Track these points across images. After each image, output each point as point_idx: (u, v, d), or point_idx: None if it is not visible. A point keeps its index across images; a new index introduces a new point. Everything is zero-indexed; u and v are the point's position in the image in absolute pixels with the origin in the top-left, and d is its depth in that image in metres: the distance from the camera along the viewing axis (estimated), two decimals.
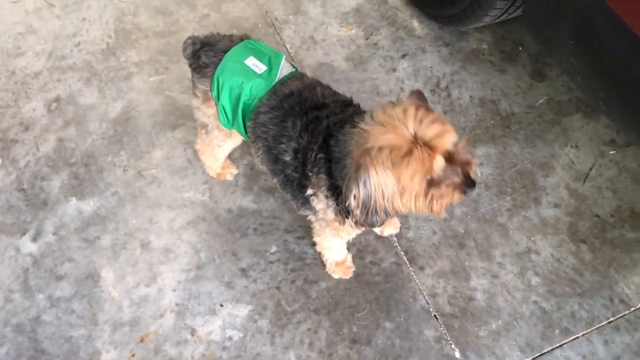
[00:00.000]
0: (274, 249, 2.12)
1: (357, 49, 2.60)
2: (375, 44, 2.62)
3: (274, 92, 1.62)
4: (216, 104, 1.74)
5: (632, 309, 2.00)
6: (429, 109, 1.35)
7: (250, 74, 1.65)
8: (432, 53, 2.58)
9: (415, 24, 2.67)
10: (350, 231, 1.71)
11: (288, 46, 2.59)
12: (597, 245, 2.12)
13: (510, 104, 2.44)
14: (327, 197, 1.53)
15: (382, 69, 2.54)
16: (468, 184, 1.33)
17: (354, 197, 1.33)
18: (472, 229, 2.14)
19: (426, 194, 1.33)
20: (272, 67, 1.66)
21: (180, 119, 2.39)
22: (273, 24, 2.67)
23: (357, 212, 1.36)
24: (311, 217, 1.77)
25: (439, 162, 1.28)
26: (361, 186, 1.30)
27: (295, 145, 1.55)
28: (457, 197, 1.35)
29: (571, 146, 2.33)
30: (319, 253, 2.02)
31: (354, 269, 2.05)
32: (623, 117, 1.79)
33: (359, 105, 1.61)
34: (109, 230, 2.16)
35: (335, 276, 2.04)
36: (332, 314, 2.00)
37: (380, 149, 1.27)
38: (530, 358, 1.92)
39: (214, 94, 1.71)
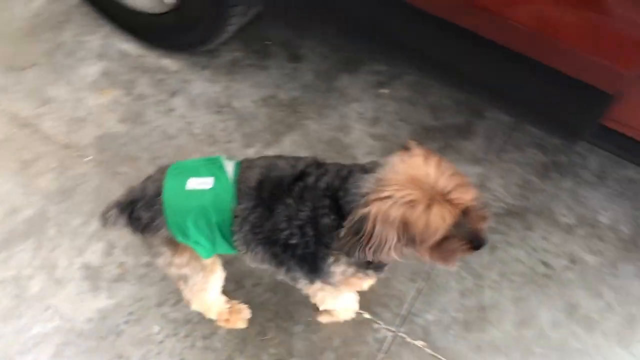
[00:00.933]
0: (156, 329, 1.99)
1: (127, 107, 2.53)
2: (140, 94, 2.58)
3: (240, 194, 1.48)
4: (189, 245, 1.55)
5: None
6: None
7: (202, 195, 1.47)
8: (197, 80, 2.63)
9: (166, 62, 2.69)
10: (365, 280, 1.65)
11: (56, 136, 2.42)
12: None
13: (287, 91, 2.60)
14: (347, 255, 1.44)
15: (160, 114, 2.52)
16: (479, 241, 1.32)
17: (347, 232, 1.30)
18: None
19: (440, 248, 1.32)
20: (217, 174, 1.50)
21: None
22: (27, 124, 2.46)
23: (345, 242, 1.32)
24: (319, 288, 1.67)
25: (458, 220, 1.27)
26: (355, 225, 1.27)
27: (299, 222, 1.43)
28: (466, 253, 1.34)
29: (353, 102, 2.58)
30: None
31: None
32: (397, 59, 2.04)
33: (323, 160, 1.54)
34: None
35: (342, 319, 1.96)
36: (244, 351, 1.96)
37: (397, 201, 1.24)
38: (419, 283, 2.10)
39: (180, 239, 1.52)
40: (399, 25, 1.84)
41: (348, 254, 1.35)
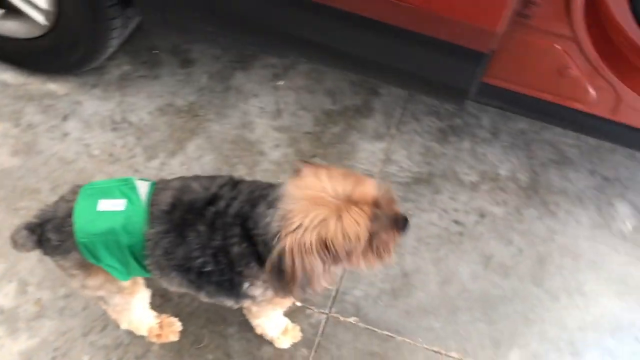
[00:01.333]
0: (86, 358, 1.93)
1: (16, 139, 2.41)
2: (30, 124, 2.46)
3: (152, 218, 1.42)
4: (101, 267, 1.47)
5: (375, 175, 2.38)
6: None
7: (113, 217, 1.41)
8: (88, 100, 2.54)
9: (52, 86, 2.58)
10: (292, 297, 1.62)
11: None
12: (323, 152, 2.44)
13: (184, 97, 2.57)
14: (264, 281, 1.43)
15: (55, 140, 2.41)
16: (402, 221, 1.33)
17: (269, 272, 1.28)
18: None
19: (371, 248, 1.31)
20: (129, 195, 1.44)
21: None
22: None
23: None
24: (247, 305, 1.64)
25: (372, 215, 1.26)
26: (275, 265, 1.25)
27: (211, 250, 1.40)
28: (395, 240, 1.34)
29: (252, 98, 2.59)
30: (261, 335, 1.91)
31: (298, 328, 1.97)
32: (279, 48, 2.07)
33: (240, 177, 1.51)
34: None
35: (287, 345, 1.95)
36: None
37: (308, 225, 1.22)
38: None
39: (92, 261, 1.45)
40: (273, 14, 1.86)
41: (280, 294, 1.36)
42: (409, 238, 2.22)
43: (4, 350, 1.93)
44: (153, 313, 1.90)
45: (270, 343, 1.97)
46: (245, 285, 1.46)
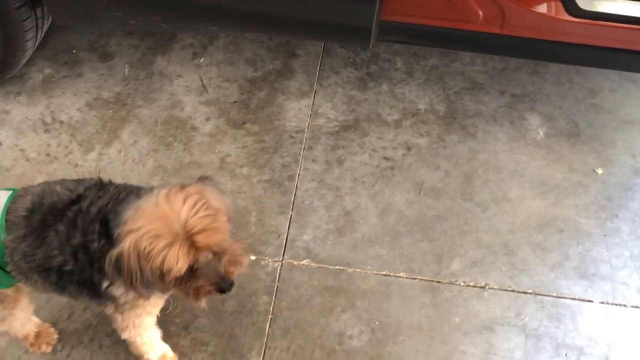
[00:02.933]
0: (59, 346, 2.00)
1: None
2: None
3: (8, 225, 1.44)
4: None
5: (306, 130, 2.52)
6: (210, 200, 1.33)
7: None
8: (15, 108, 2.57)
9: None
10: (157, 302, 1.67)
11: None
12: (253, 117, 2.56)
13: (110, 89, 2.63)
14: None
15: None
16: (224, 284, 1.34)
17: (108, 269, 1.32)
18: (175, 182, 2.34)
19: (184, 283, 1.32)
20: None
21: None
22: None
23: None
24: (110, 310, 1.65)
25: (200, 258, 1.29)
26: (113, 263, 1.29)
27: (71, 248, 1.42)
28: (211, 293, 1.36)
29: (176, 78, 2.68)
30: (138, 358, 1.92)
31: (177, 358, 1.98)
32: (186, 20, 2.16)
33: (110, 180, 1.52)
34: None
35: None
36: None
37: (145, 233, 1.26)
38: (289, 213, 2.29)
39: None
40: None
41: (128, 287, 1.38)
42: (345, 180, 2.37)
43: None
44: (36, 321, 1.94)
45: (232, 297, 2.09)
46: (105, 283, 1.47)
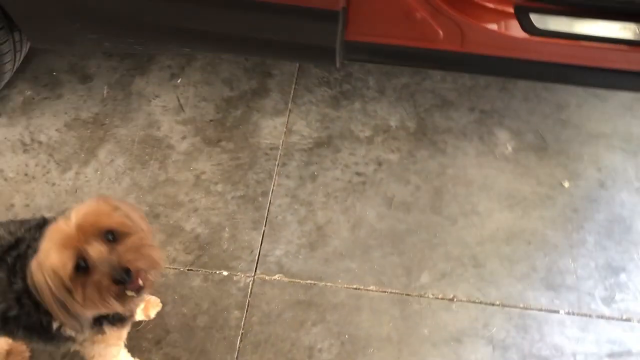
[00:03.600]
0: None
1: None
2: None
3: None
4: None
5: (280, 147, 2.57)
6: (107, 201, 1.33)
7: None
8: None
9: None
10: (118, 334, 1.66)
11: None
12: (228, 135, 2.61)
13: (88, 109, 2.69)
14: None
15: None
16: (116, 273, 1.26)
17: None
18: (150, 200, 2.39)
19: (87, 286, 1.28)
20: None
21: None
22: None
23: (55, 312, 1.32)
24: (75, 348, 1.65)
25: (90, 251, 1.26)
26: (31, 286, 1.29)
27: (13, 294, 1.41)
28: (111, 288, 1.28)
29: (153, 99, 2.73)
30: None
31: None
32: (158, 42, 2.23)
33: (54, 217, 1.46)
34: None
35: None
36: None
37: (41, 251, 1.27)
38: (262, 228, 2.33)
39: None
40: (142, 9, 2.03)
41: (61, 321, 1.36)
42: (317, 195, 2.42)
43: None
44: (7, 339, 1.91)
45: (204, 312, 2.13)
46: (55, 324, 1.45)
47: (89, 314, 1.39)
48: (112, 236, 1.31)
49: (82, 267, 1.27)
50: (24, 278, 1.38)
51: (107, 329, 1.54)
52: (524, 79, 2.38)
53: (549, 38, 1.98)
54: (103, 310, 1.39)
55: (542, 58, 2.05)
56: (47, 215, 1.53)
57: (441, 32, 2.02)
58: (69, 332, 1.50)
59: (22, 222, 1.52)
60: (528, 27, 1.97)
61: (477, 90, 2.75)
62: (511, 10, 1.99)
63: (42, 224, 1.46)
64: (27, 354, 2.02)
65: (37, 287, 1.29)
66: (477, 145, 2.57)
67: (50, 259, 1.25)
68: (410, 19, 1.99)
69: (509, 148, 2.56)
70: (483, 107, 2.69)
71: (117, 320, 1.54)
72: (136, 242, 1.33)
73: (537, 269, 2.23)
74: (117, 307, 1.33)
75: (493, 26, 1.99)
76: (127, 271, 1.26)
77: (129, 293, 1.31)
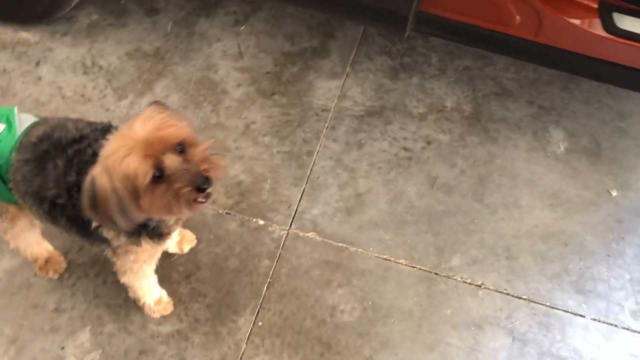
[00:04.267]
0: (66, 275, 2.10)
1: None
2: (4, 70, 2.60)
3: (21, 145, 1.54)
4: None
5: (331, 109, 2.57)
6: (166, 110, 1.37)
7: None
8: (59, 47, 2.68)
9: (24, 35, 2.71)
10: (151, 251, 1.72)
11: None
12: (282, 90, 2.62)
13: (150, 43, 2.72)
14: None
15: (29, 84, 2.56)
16: (200, 181, 1.33)
17: (84, 202, 1.36)
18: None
19: (161, 193, 1.33)
20: (10, 123, 1.56)
21: None
22: None
23: (92, 216, 1.39)
24: (109, 254, 1.73)
25: (167, 161, 1.31)
26: (88, 189, 1.34)
27: (65, 185, 1.49)
28: (192, 195, 1.35)
29: (215, 42, 2.75)
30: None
31: (172, 302, 2.05)
32: None
33: (118, 127, 1.54)
34: None
35: (156, 316, 2.02)
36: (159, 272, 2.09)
37: (109, 155, 1.32)
38: (302, 186, 2.35)
39: None
40: None
41: (105, 225, 1.45)
42: (361, 163, 2.42)
43: None
44: (47, 246, 2.05)
45: (236, 255, 2.17)
46: (94, 223, 1.53)
47: (143, 220, 1.44)
48: (181, 147, 1.36)
49: (157, 176, 1.32)
50: (78, 173, 1.46)
51: (144, 242, 1.59)
52: (593, 79, 2.32)
53: (629, 40, 1.92)
54: (170, 216, 1.48)
55: (617, 60, 1.99)
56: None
57: (518, 18, 1.98)
58: (106, 233, 1.58)
59: (90, 123, 1.59)
60: (609, 25, 1.92)
61: (539, 85, 2.70)
62: (595, 5, 1.93)
63: (107, 129, 1.52)
64: (64, 264, 2.10)
65: (97, 189, 1.32)
66: (529, 140, 2.53)
67: (126, 166, 1.29)
68: (490, 1, 1.96)
69: (562, 148, 2.52)
70: (542, 103, 2.64)
71: (155, 235, 1.59)
72: (205, 152, 1.38)
73: (569, 271, 2.21)
74: (187, 213, 1.41)
75: (572, 20, 1.94)
76: (207, 179, 1.34)
77: (201, 199, 1.37)
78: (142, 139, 1.30)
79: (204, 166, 1.35)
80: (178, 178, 1.32)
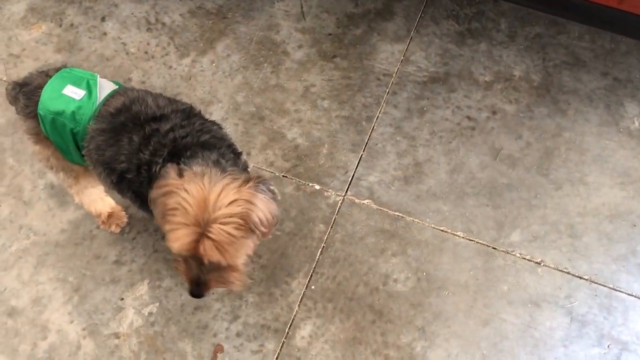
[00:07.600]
0: (127, 228, 2.16)
1: (59, 38, 2.60)
2: (72, 24, 2.64)
3: (99, 114, 1.57)
4: (50, 142, 1.67)
5: (393, 74, 2.51)
6: (253, 212, 1.34)
7: (69, 102, 1.57)
8: (124, 3, 2.70)
9: None
10: None
11: None
12: (344, 52, 2.56)
13: (213, 1, 2.71)
14: None
15: (94, 39, 2.59)
16: (192, 288, 1.46)
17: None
18: (258, 102, 2.42)
19: (174, 258, 1.45)
20: (91, 89, 1.60)
21: None
22: None
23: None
24: None
25: (192, 261, 1.39)
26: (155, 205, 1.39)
27: (136, 161, 1.51)
28: (186, 279, 1.48)
29: (277, 1, 2.71)
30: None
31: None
32: None
33: (200, 112, 1.61)
34: None
35: None
36: None
37: (178, 200, 1.31)
38: (360, 152, 2.32)
39: (44, 132, 1.64)
40: None
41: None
42: (422, 131, 2.36)
43: (55, 219, 2.18)
44: (110, 201, 2.10)
45: (291, 219, 2.17)
46: None
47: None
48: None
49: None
50: (152, 154, 1.47)
51: None
52: None
53: None
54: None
55: None
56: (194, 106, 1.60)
57: None
58: None
59: (171, 101, 1.59)
60: None
61: (616, 56, 2.54)
62: None
63: (188, 112, 1.55)
64: (125, 219, 2.16)
65: (154, 201, 1.38)
66: (601, 114, 2.40)
67: (175, 229, 1.32)
68: None
69: (636, 123, 2.38)
70: (617, 75, 2.49)
71: None
72: (230, 279, 1.46)
73: (637, 253, 2.11)
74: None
75: None
76: (200, 294, 1.48)
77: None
78: (205, 224, 1.29)
79: (213, 283, 1.45)
80: (188, 265, 1.42)
